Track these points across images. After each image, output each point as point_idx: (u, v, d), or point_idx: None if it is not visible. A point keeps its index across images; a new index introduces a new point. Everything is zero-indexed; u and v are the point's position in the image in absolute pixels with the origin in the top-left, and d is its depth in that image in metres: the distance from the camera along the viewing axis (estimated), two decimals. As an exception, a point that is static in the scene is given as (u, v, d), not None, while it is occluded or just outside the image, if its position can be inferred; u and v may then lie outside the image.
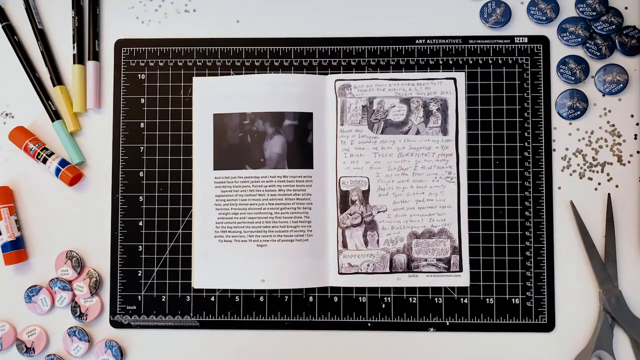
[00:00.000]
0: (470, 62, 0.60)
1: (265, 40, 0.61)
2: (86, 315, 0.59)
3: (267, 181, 0.59)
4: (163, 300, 0.59)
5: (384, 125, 0.60)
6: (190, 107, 0.61)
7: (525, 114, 0.60)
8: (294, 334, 0.59)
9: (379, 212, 0.59)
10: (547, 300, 0.58)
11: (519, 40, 0.60)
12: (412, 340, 0.59)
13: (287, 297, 0.59)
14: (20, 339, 0.59)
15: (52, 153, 0.60)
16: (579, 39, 0.60)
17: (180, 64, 0.61)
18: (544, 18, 0.60)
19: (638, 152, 0.60)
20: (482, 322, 0.58)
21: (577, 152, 0.60)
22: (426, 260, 0.59)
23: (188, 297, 0.59)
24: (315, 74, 0.61)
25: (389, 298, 0.59)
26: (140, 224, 0.60)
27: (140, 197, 0.60)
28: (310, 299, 0.59)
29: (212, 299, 0.59)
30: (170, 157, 0.60)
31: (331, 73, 0.61)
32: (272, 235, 0.59)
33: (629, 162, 0.59)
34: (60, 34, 0.62)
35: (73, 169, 0.60)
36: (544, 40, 0.60)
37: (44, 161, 0.59)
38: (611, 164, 0.60)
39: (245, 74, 0.61)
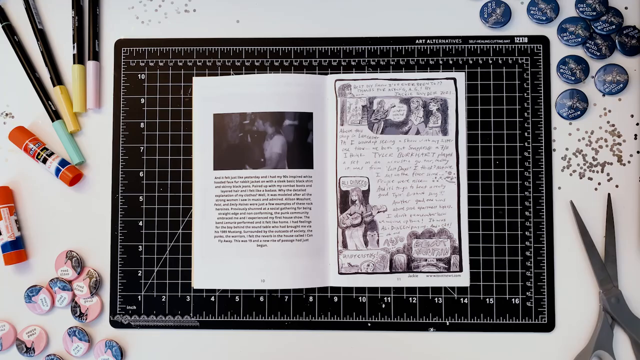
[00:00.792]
0: (470, 62, 0.60)
1: (265, 40, 0.61)
2: (86, 315, 0.59)
3: (267, 181, 0.59)
4: (163, 300, 0.59)
5: (384, 125, 0.60)
6: (190, 107, 0.61)
7: (525, 114, 0.60)
8: (293, 334, 0.59)
9: (379, 212, 0.59)
10: (547, 300, 0.58)
11: (519, 40, 0.60)
12: (412, 340, 0.59)
13: (287, 297, 0.59)
14: (20, 339, 0.59)
15: (52, 153, 0.60)
16: (579, 39, 0.60)
17: (180, 64, 0.61)
18: (544, 18, 0.60)
19: (638, 152, 0.60)
20: (482, 322, 0.58)
21: (577, 152, 0.60)
22: (426, 260, 0.59)
23: (188, 297, 0.59)
24: (315, 74, 0.61)
25: (389, 298, 0.59)
26: (140, 224, 0.60)
27: (140, 197, 0.60)
28: (310, 299, 0.59)
29: (212, 299, 0.59)
30: (170, 157, 0.60)
31: (331, 73, 0.61)
32: (272, 235, 0.59)
33: (629, 162, 0.59)
34: (60, 34, 0.62)
35: (73, 169, 0.60)
36: (544, 40, 0.60)
37: (44, 161, 0.59)
38: (611, 164, 0.60)
39: (245, 74, 0.61)
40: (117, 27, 0.62)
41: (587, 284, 0.59)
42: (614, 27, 0.60)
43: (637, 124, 0.60)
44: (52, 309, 0.60)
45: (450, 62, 0.60)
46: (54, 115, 0.60)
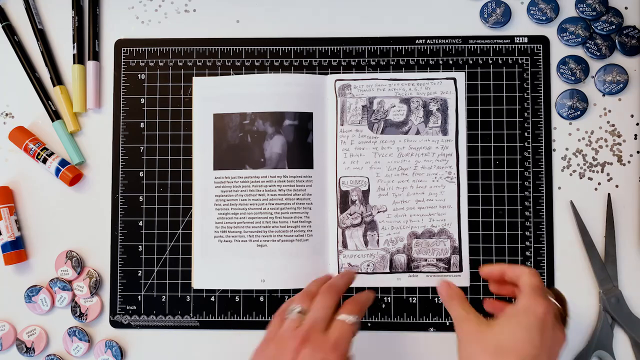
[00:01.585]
0: (470, 62, 0.60)
1: (265, 40, 0.61)
2: (86, 315, 0.59)
3: (267, 181, 0.59)
4: (163, 300, 0.59)
5: (384, 125, 0.60)
6: (190, 107, 0.61)
7: (525, 114, 0.60)
8: (294, 334, 0.59)
9: (379, 212, 0.59)
10: (547, 300, 0.58)
11: (519, 40, 0.60)
12: (412, 340, 0.59)
13: (287, 297, 0.59)
14: (20, 339, 0.59)
15: (52, 153, 0.60)
16: (579, 39, 0.60)
17: (180, 64, 0.61)
18: (544, 18, 0.60)
19: (638, 152, 0.60)
20: (482, 322, 0.58)
21: (577, 152, 0.60)
22: (426, 260, 0.59)
23: (188, 297, 0.59)
24: (315, 74, 0.61)
25: (389, 298, 0.59)
26: (140, 224, 0.60)
27: (140, 197, 0.60)
28: (310, 299, 0.59)
29: (212, 299, 0.59)
30: (170, 157, 0.60)
31: (331, 73, 0.61)
32: (272, 235, 0.59)
33: (629, 162, 0.59)
34: (60, 34, 0.62)
35: (73, 169, 0.60)
36: (544, 40, 0.60)
37: (44, 161, 0.59)
38: (611, 164, 0.60)
39: (245, 74, 0.61)
40: (117, 27, 0.62)
41: (587, 284, 0.59)
42: (614, 27, 0.60)
43: (637, 124, 0.60)
44: (52, 309, 0.60)
45: (450, 62, 0.60)
46: (54, 115, 0.60)
